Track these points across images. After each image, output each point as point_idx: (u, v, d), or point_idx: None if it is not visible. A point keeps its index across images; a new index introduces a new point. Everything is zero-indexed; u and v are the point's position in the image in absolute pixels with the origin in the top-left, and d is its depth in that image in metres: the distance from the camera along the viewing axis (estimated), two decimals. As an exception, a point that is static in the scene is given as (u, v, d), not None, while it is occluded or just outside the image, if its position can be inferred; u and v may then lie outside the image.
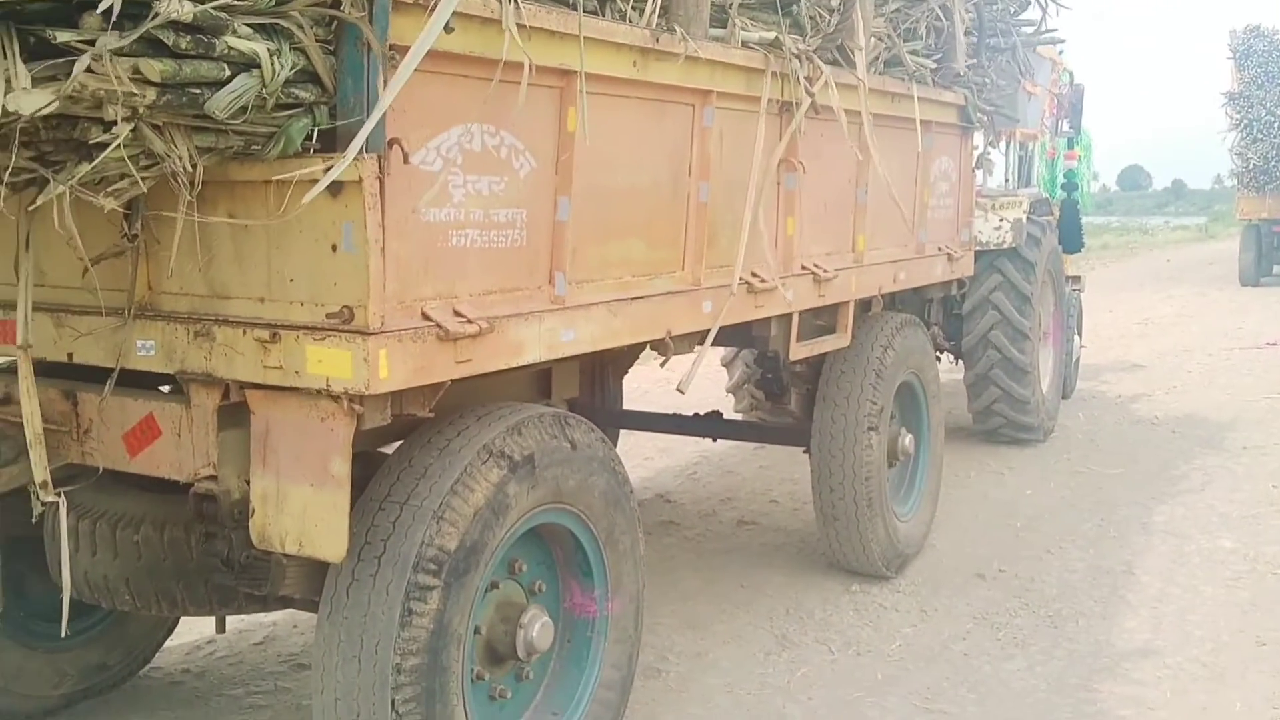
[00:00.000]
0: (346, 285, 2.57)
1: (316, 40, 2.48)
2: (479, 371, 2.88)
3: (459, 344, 2.77)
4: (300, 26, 2.43)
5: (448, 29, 2.56)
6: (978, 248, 7.49)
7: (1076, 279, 10.40)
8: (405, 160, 2.60)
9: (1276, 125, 20.13)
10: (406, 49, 2.52)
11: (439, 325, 2.71)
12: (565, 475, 3.24)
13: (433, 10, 2.53)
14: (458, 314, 2.79)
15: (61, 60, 2.09)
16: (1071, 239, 9.94)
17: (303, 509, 2.74)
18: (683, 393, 4.33)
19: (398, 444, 3.14)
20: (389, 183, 2.56)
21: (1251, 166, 20.59)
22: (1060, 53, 9.91)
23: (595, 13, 3.23)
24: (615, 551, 3.51)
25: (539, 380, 3.88)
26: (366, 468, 3.02)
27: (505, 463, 3.01)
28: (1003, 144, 9.22)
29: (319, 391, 2.64)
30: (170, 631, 4.38)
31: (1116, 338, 13.69)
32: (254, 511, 2.79)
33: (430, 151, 2.73)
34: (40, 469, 2.90)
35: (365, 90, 2.52)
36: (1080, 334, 10.31)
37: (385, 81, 2.51)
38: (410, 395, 2.83)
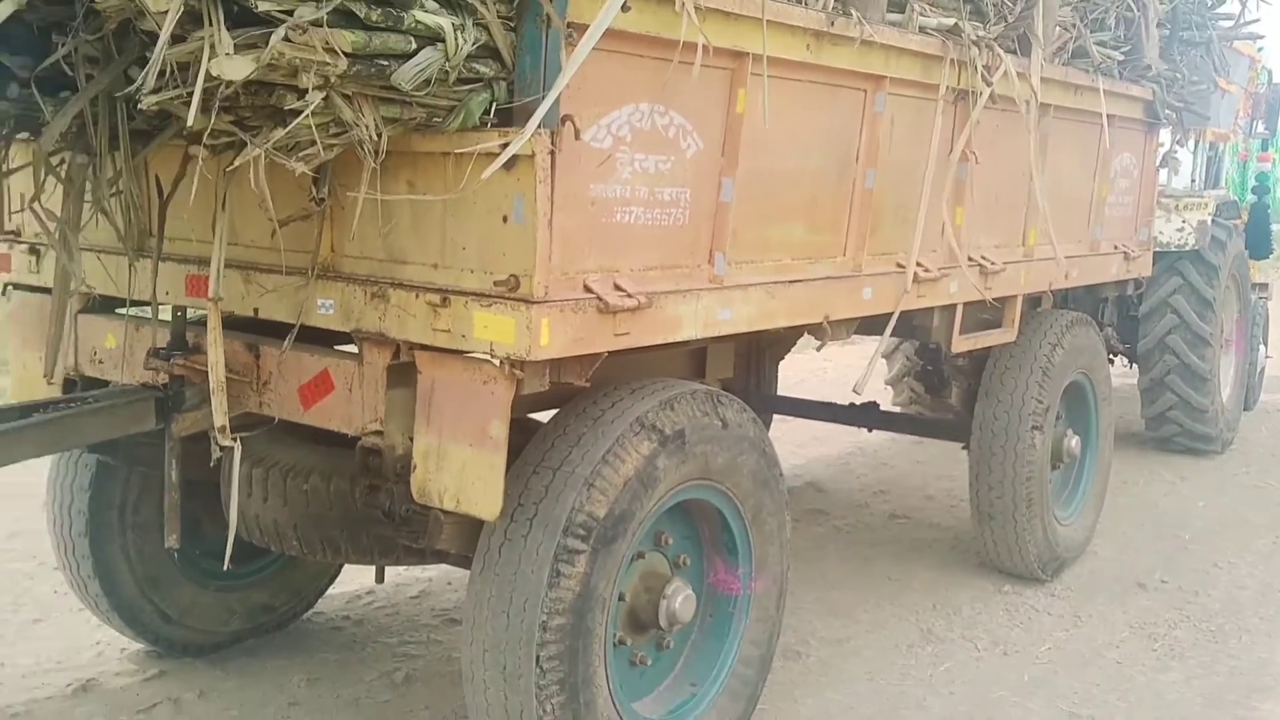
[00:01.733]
0: (514, 255, 2.66)
1: (498, 17, 2.57)
2: (636, 345, 2.95)
3: (618, 317, 2.84)
4: (483, 2, 2.52)
5: (625, 8, 2.62)
6: (1158, 248, 7.21)
7: (1264, 286, 9.88)
8: (577, 137, 2.67)
9: None
10: (585, 27, 2.59)
11: (599, 297, 2.78)
12: (715, 452, 3.28)
13: (611, -11, 2.59)
14: (618, 288, 2.85)
15: (259, 31, 2.22)
16: (1260, 244, 9.44)
17: (461, 467, 2.86)
18: (859, 394, 4.35)
19: (554, 412, 3.24)
20: (560, 158, 2.64)
21: None
22: (1260, 49, 9.40)
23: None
24: (761, 531, 3.54)
25: (694, 359, 3.93)
26: (524, 433, 3.12)
27: (656, 436, 3.07)
28: (1191, 143, 8.81)
29: (483, 355, 2.74)
30: (333, 579, 4.62)
31: (1309, 350, 12.92)
32: (416, 467, 2.92)
33: (601, 129, 2.79)
34: (220, 415, 3.08)
35: (543, 67, 2.60)
36: (1266, 344, 9.79)
37: (563, 59, 2.58)
38: (569, 364, 2.91)
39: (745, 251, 3.31)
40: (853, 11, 3.41)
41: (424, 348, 2.86)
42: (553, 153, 2.59)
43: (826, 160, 3.62)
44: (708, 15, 2.87)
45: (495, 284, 2.69)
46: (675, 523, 3.40)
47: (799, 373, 9.44)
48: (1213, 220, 7.77)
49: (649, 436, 3.06)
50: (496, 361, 2.73)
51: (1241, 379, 8.70)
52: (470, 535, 3.05)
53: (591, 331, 2.80)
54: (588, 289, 2.79)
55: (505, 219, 2.67)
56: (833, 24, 3.33)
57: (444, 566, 4.17)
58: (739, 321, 3.29)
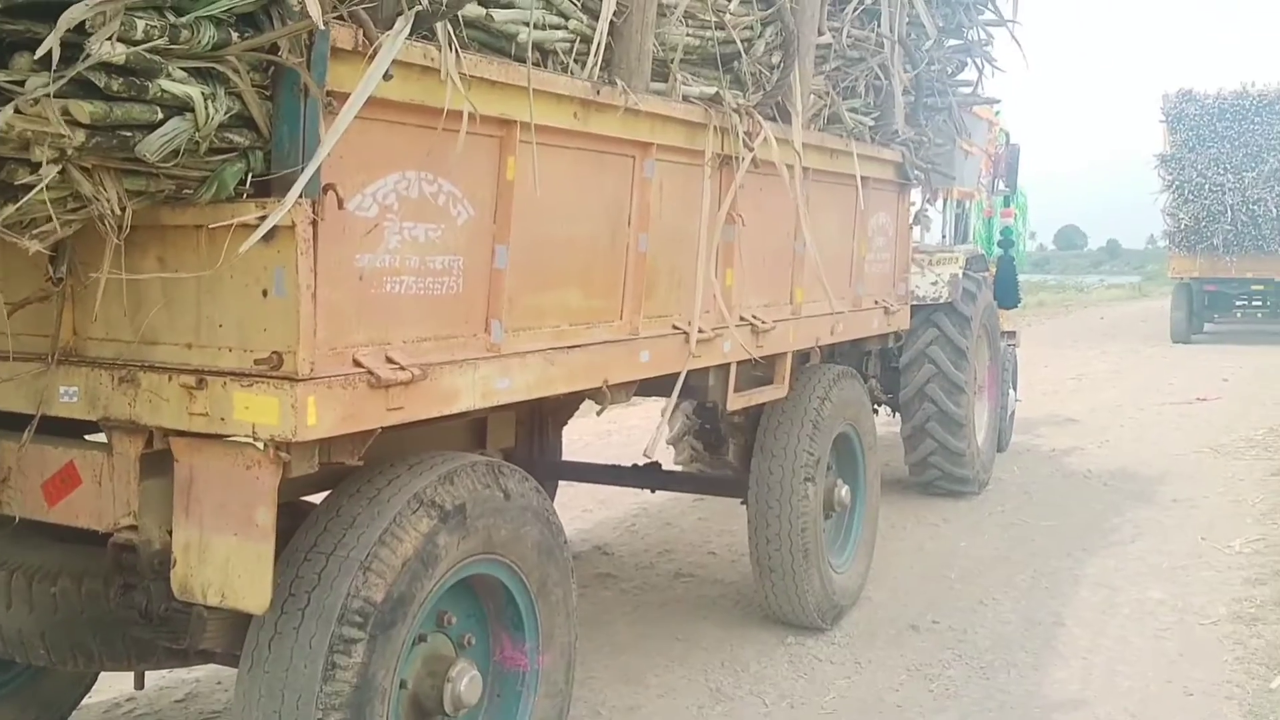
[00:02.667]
0: (276, 331, 2.53)
1: (253, 85, 2.45)
2: (411, 419, 2.85)
3: (390, 391, 2.74)
4: (236, 71, 2.40)
5: (387, 77, 2.56)
6: (915, 302, 7.59)
7: (1012, 334, 10.57)
8: (340, 206, 2.58)
9: (1207, 187, 20.72)
10: (345, 95, 2.51)
11: (370, 372, 2.68)
12: (498, 525, 3.20)
13: (372, 58, 2.53)
14: (390, 361, 2.76)
15: (-12, 103, 2.05)
16: (1007, 295, 10.12)
17: (226, 559, 2.68)
18: (649, 457, 4.39)
19: (327, 494, 3.09)
20: (323, 228, 2.54)
21: (1183, 227, 21.16)
22: (997, 113, 10.14)
23: (538, 64, 3.25)
24: (547, 603, 3.47)
25: (475, 429, 3.85)
26: (294, 518, 2.97)
27: (436, 512, 2.97)
28: (940, 201, 9.40)
29: (245, 439, 2.59)
30: (88, 689, 4.23)
31: (1051, 392, 13.91)
32: (175, 562, 2.72)
33: (367, 197, 2.71)
34: (-49, 517, 2.81)
35: (301, 136, 2.50)
36: (1015, 388, 10.46)
37: (323, 127, 2.50)
38: (339, 443, 2.79)
39: (522, 318, 3.28)
40: (618, 81, 3.46)
41: (180, 433, 2.68)
42: (314, 223, 2.49)
43: (600, 225, 3.63)
44: (473, 83, 2.84)
45: (256, 362, 2.55)
46: (458, 600, 3.29)
47: (584, 436, 9.44)
48: (963, 274, 8.24)
49: (428, 513, 2.96)
50: (260, 445, 2.58)
51: (994, 422, 9.22)
52: (238, 631, 2.86)
53: (362, 408, 2.69)
54: (357, 363, 2.69)
55: (265, 293, 2.54)
56: (598, 92, 3.36)
57: (211, 666, 3.90)
58: (518, 390, 3.24)
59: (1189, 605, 5.88)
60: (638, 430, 9.47)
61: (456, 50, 2.77)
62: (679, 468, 7.68)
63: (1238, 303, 22.40)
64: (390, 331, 2.81)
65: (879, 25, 5.31)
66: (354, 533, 2.88)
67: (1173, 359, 18.50)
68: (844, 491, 5.66)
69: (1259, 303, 22.14)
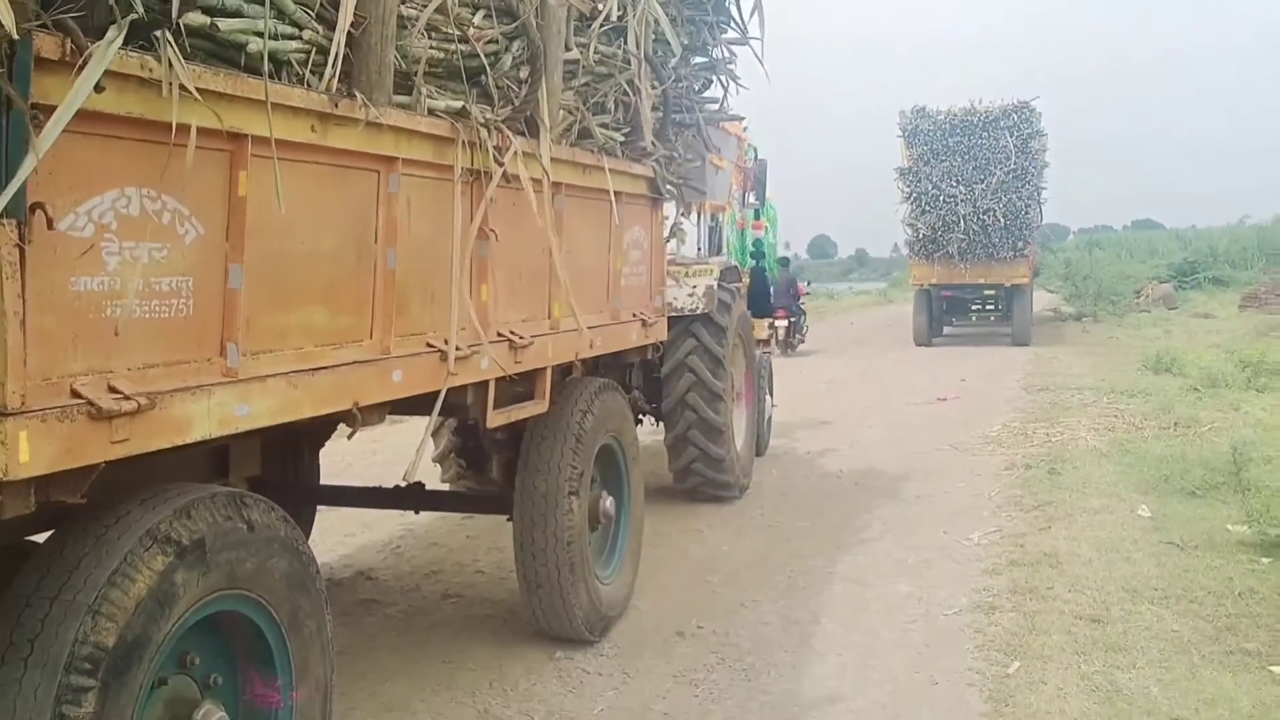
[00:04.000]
0: (-20, 361, 2.33)
1: (-55, 96, 2.26)
2: (139, 451, 2.67)
3: (114, 423, 2.57)
4: (-75, 80, 2.21)
5: (99, 89, 2.41)
6: (673, 314, 7.77)
7: (767, 342, 10.96)
8: (50, 226, 2.40)
9: (942, 198, 22.09)
10: (53, 108, 2.34)
11: (91, 402, 2.50)
12: (242, 559, 3.05)
13: (81, 69, 2.37)
14: (113, 390, 2.59)
15: None
16: (760, 304, 10.49)
17: (-69, 612, 2.45)
18: (407, 481, 4.26)
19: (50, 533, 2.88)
20: (31, 250, 2.36)
21: (921, 236, 22.50)
22: (745, 129, 10.51)
23: (272, 76, 3.12)
24: (299, 637, 3.33)
25: (216, 458, 3.66)
26: (17, 560, 2.75)
27: (172, 548, 2.81)
28: (694, 215, 9.65)
29: (-51, 480, 2.37)
30: None
31: (806, 396, 14.48)
32: None
33: (81, 216, 2.53)
34: None
35: (4, 152, 2.30)
36: (772, 394, 10.83)
37: (33, 142, 2.32)
38: (58, 479, 2.58)
39: (262, 340, 3.14)
40: (357, 94, 3.37)
41: (-126, 475, 2.43)
42: (20, 246, 2.31)
43: (344, 242, 3.53)
44: (199, 96, 2.70)
45: (-41, 396, 2.34)
46: (202, 639, 3.11)
47: (347, 458, 9.17)
48: (718, 285, 8.48)
49: (163, 550, 2.79)
50: (-34, 485, 2.37)
51: (753, 428, 9.53)
52: (-50, 688, 2.62)
53: (83, 441, 2.51)
54: (76, 394, 2.51)
55: (-33, 321, 2.34)
56: (336, 105, 3.26)
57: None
58: (259, 416, 3.09)
59: (933, 597, 6.21)
60: (403, 449, 9.22)
61: (179, 61, 2.63)
62: (446, 486, 7.57)
63: (973, 307, 24.02)
64: (113, 359, 2.64)
65: (625, 42, 5.40)
66: (80, 574, 2.69)
67: (916, 362, 19.63)
68: (609, 503, 5.70)
69: (991, 307, 23.80)
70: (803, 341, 21.24)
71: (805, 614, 5.96)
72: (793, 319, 20.50)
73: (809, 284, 25.97)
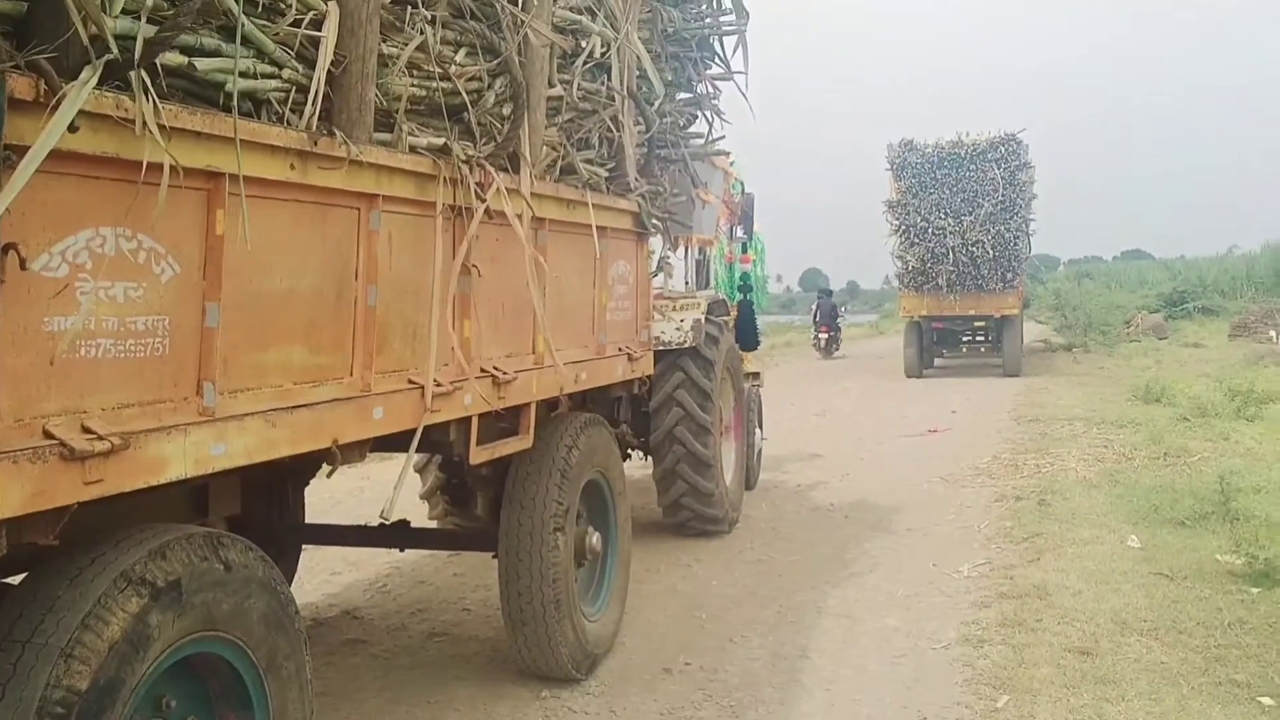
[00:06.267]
0: (-49, 403, 2.32)
1: (-82, 137, 2.26)
2: (112, 492, 2.65)
3: (87, 463, 2.55)
4: (-105, 121, 2.20)
5: (72, 129, 2.40)
6: (660, 347, 7.76)
7: (756, 375, 10.95)
8: (23, 266, 2.39)
9: (930, 231, 22.19)
10: (26, 149, 2.34)
11: (63, 443, 2.48)
12: (218, 600, 3.02)
13: (54, 110, 2.37)
14: (87, 430, 2.57)
15: None
16: (748, 338, 10.48)
17: (-100, 656, 2.42)
18: (386, 519, 4.22)
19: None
20: (3, 291, 2.35)
21: (910, 268, 22.58)
22: (732, 163, 10.55)
23: (250, 115, 3.13)
24: (278, 679, 3.29)
25: (195, 497, 3.64)
26: (-9, 602, 2.72)
27: (147, 590, 2.78)
28: (681, 249, 9.67)
29: (-82, 523, 2.35)
30: None
31: (797, 429, 14.48)
32: None
33: (55, 256, 2.52)
34: None
35: (-24, 192, 2.31)
36: (762, 427, 10.82)
37: (3, 183, 2.31)
38: (31, 521, 2.56)
39: (239, 379, 3.12)
40: (337, 132, 3.38)
41: None
42: (-9, 286, 2.30)
43: (323, 279, 3.52)
44: (175, 135, 2.71)
45: (-72, 438, 2.32)
46: (178, 682, 3.07)
47: (335, 494, 9.14)
48: (706, 318, 8.48)
49: (137, 591, 2.77)
50: (-65, 528, 2.35)
51: (742, 461, 9.50)
52: (-83, 736, 2.58)
53: (55, 482, 2.48)
54: (48, 434, 2.49)
55: (-62, 363, 2.32)
56: (316, 144, 3.26)
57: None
58: (236, 455, 3.07)
59: (922, 631, 6.18)
60: (391, 486, 9.20)
61: (155, 101, 2.63)
62: (433, 523, 7.53)
63: (964, 339, 24.04)
64: (87, 399, 2.62)
65: (609, 79, 5.42)
66: (54, 617, 2.66)
67: (907, 393, 19.64)
68: (595, 539, 5.67)
69: (982, 338, 23.83)
70: (838, 349, 29.78)
71: (794, 649, 5.92)
72: (833, 333, 29.62)
73: (845, 309, 37.42)
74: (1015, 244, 21.99)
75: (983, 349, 24.02)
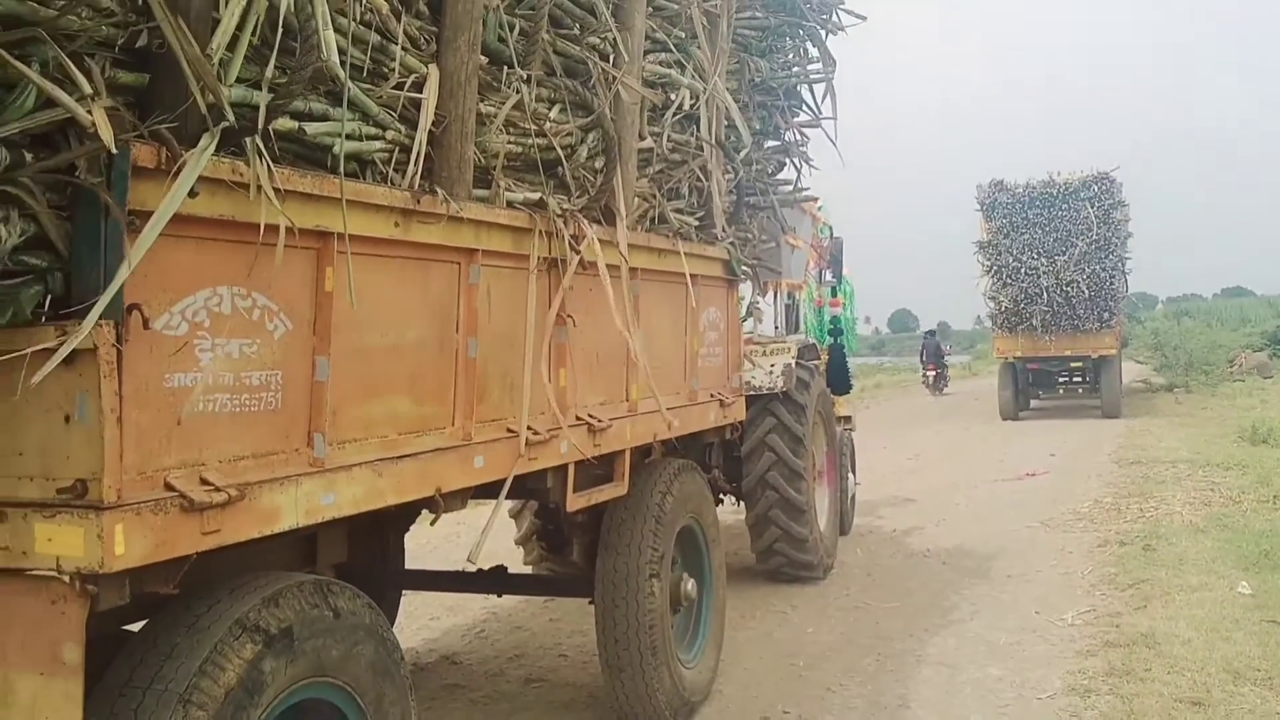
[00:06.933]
0: (80, 458, 2.43)
1: (50, 206, 2.39)
2: (229, 542, 2.75)
3: (206, 514, 2.65)
4: (31, 192, 2.34)
5: (192, 194, 2.53)
6: (752, 392, 7.76)
7: (848, 419, 10.87)
8: (146, 326, 2.51)
9: (1023, 271, 21.85)
10: (149, 214, 2.47)
11: (183, 495, 2.59)
12: (328, 646, 3.10)
13: (175, 176, 2.49)
14: (205, 482, 2.67)
15: None
16: (840, 381, 10.43)
17: (32, 700, 2.53)
18: (473, 562, 4.27)
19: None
20: (128, 350, 2.47)
21: (1003, 309, 22.24)
22: (820, 208, 10.55)
23: (356, 175, 3.25)
24: (384, 724, 3.36)
25: (303, 546, 3.74)
26: (113, 648, 2.83)
27: (260, 637, 2.87)
28: (770, 294, 9.68)
29: (49, 572, 2.46)
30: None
31: (890, 473, 14.30)
32: (-25, 707, 2.56)
33: (175, 315, 2.65)
34: None
35: (102, 256, 2.43)
36: (854, 471, 10.72)
37: (126, 246, 2.44)
38: (152, 571, 2.66)
39: (347, 431, 3.22)
40: (438, 189, 3.48)
41: (-21, 569, 2.53)
42: (118, 346, 2.41)
43: (426, 332, 3.62)
44: (287, 197, 2.82)
45: (59, 491, 2.44)
46: (289, 727, 3.16)
47: (433, 540, 9.26)
48: (796, 363, 8.47)
49: (251, 638, 2.86)
50: (65, 578, 2.46)
51: (836, 507, 9.43)
52: (46, 777, 2.68)
53: (176, 533, 2.59)
54: (169, 487, 2.60)
55: (68, 419, 2.44)
56: (419, 202, 3.37)
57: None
58: (344, 504, 3.16)
59: (1026, 680, 6.05)
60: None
61: (269, 165, 2.75)
62: (529, 569, 7.60)
63: (1060, 379, 23.55)
64: (205, 451, 2.73)
65: (698, 130, 5.49)
66: (172, 664, 2.75)
67: (1003, 436, 19.29)
68: (690, 585, 5.67)
69: (1079, 379, 23.31)
70: (946, 385, 31.48)
71: (894, 698, 5.83)
72: (940, 370, 31.37)
73: (950, 347, 39.90)
74: (1111, 283, 21.54)
75: (1080, 390, 23.52)
